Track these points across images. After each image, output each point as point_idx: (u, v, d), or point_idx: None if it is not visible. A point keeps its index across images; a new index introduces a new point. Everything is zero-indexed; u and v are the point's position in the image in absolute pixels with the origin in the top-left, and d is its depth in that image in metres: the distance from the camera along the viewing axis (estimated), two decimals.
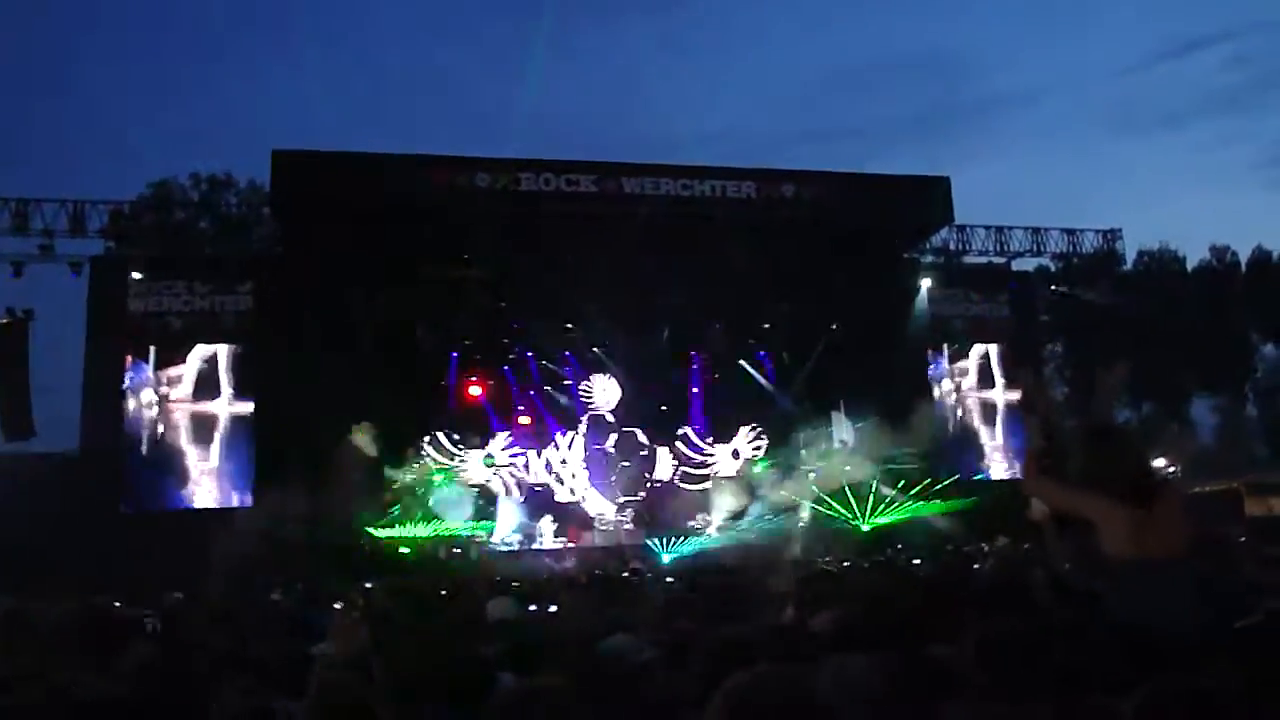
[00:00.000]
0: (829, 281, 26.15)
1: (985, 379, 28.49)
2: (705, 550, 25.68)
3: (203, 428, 23.85)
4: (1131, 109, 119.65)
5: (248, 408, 23.97)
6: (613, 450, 29.62)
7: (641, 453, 29.86)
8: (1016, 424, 27.99)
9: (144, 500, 23.18)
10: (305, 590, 15.06)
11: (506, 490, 28.64)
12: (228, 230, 28.50)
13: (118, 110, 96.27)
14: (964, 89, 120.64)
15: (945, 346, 28.37)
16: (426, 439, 27.86)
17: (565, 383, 29.77)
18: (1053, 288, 30.79)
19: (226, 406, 24.01)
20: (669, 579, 14.83)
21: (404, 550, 25.22)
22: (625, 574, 17.14)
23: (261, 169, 25.45)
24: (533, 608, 8.55)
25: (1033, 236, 28.92)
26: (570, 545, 26.54)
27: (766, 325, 29.04)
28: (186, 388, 23.89)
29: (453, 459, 28.29)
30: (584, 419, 29.74)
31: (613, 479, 29.25)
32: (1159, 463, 31.25)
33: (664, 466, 29.96)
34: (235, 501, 23.00)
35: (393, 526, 25.20)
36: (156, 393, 23.73)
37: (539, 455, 29.27)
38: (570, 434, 29.59)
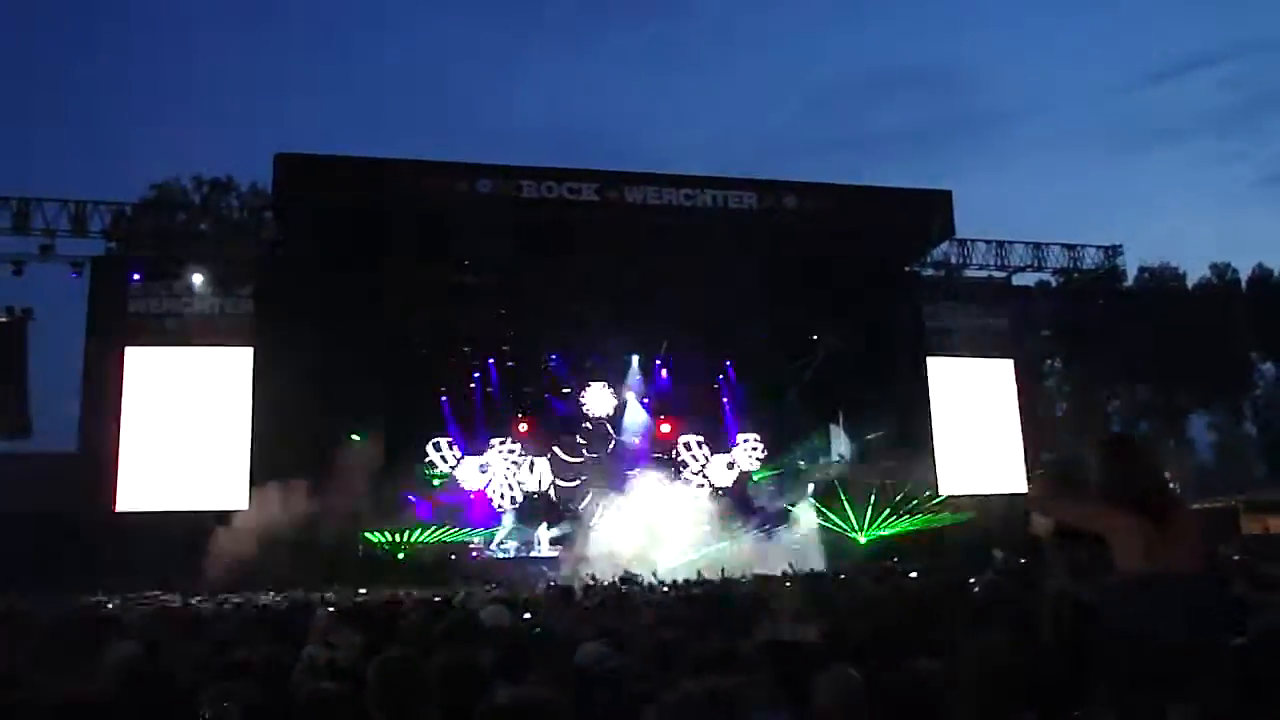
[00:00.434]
0: (829, 293, 26.14)
1: (987, 394, 28.47)
2: (700, 560, 25.62)
3: (200, 429, 23.80)
4: (1132, 126, 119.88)
5: (246, 410, 23.92)
6: (610, 458, 29.61)
7: (638, 461, 29.82)
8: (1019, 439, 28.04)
9: (140, 500, 23.12)
10: (296, 593, 15.06)
11: (503, 497, 28.64)
12: (229, 233, 28.46)
13: (120, 111, 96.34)
14: (966, 103, 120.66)
15: (945, 360, 28.36)
16: (429, 444, 27.91)
17: (564, 390, 29.77)
18: (1052, 302, 30.77)
19: (225, 409, 23.96)
20: (664, 589, 14.80)
21: (399, 556, 25.21)
22: (620, 582, 17.09)
23: (263, 172, 25.48)
24: (527, 616, 8.53)
25: (1033, 252, 28.91)
26: (566, 553, 26.49)
27: (766, 336, 29.00)
28: (185, 389, 23.85)
29: (451, 465, 28.30)
30: (581, 426, 29.74)
31: (609, 487, 29.21)
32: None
33: (662, 476, 29.91)
34: (231, 504, 22.92)
35: (389, 531, 25.20)
36: (155, 392, 23.69)
37: (536, 462, 29.26)
38: (568, 441, 29.57)
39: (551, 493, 29.22)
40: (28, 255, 23.05)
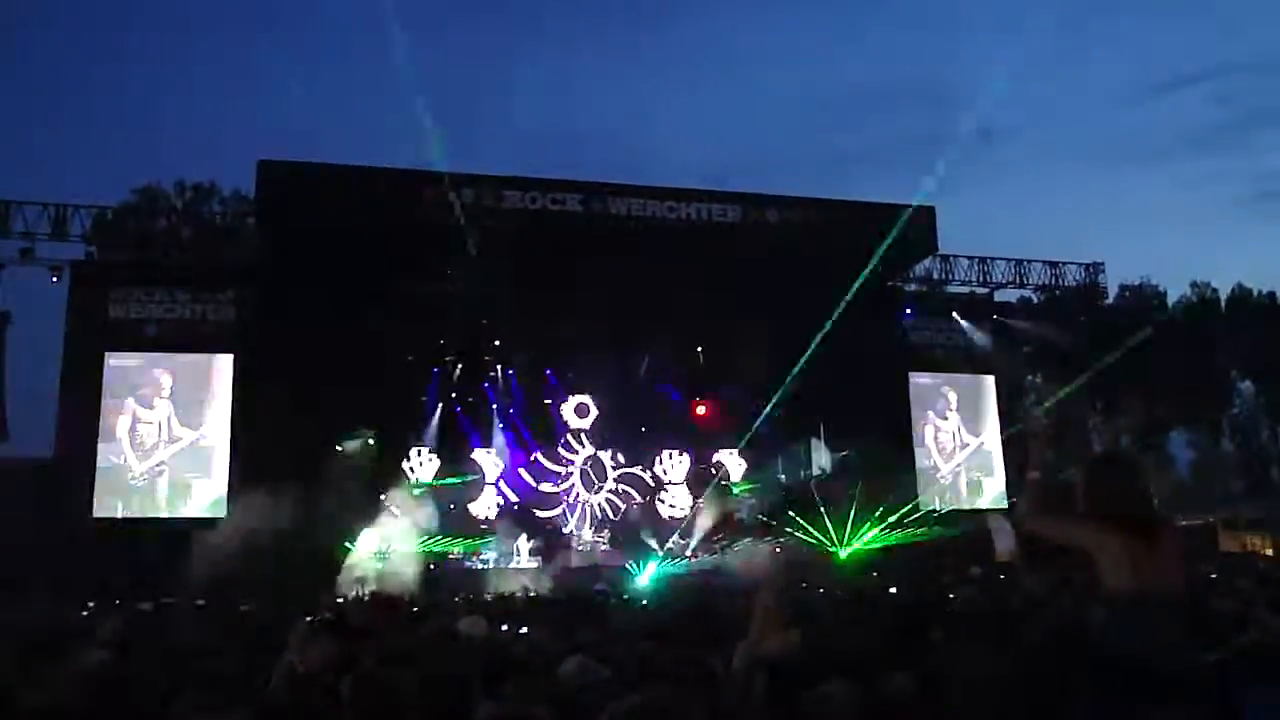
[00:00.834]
0: (811, 307, 26.16)
1: (971, 411, 28.56)
2: (681, 573, 25.60)
3: (180, 436, 23.66)
4: (1115, 144, 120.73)
5: (226, 417, 23.79)
6: (591, 469, 29.56)
7: (619, 473, 29.80)
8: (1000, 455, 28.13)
9: (117, 508, 22.95)
10: (276, 602, 14.94)
11: (484, 508, 28.53)
12: (210, 238, 28.34)
13: (102, 114, 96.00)
14: (950, 120, 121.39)
15: (927, 375, 28.45)
16: (411, 453, 27.81)
17: (546, 401, 29.71)
18: (1033, 320, 30.92)
19: (204, 417, 23.82)
20: (643, 601, 14.77)
21: (379, 565, 25.08)
22: (595, 594, 17.06)
23: (246, 178, 25.40)
24: (504, 627, 8.48)
25: (1015, 268, 29.08)
26: (546, 564, 26.42)
27: (748, 349, 28.99)
28: (165, 395, 23.71)
29: (430, 475, 28.19)
30: (564, 438, 29.68)
31: (590, 498, 29.17)
32: None
33: (642, 488, 29.89)
34: (210, 512, 22.77)
35: (369, 540, 25.08)
36: (134, 399, 23.55)
37: (518, 473, 29.18)
38: (549, 452, 29.51)
39: (531, 503, 29.12)
40: (6, 258, 22.91)
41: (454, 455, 28.41)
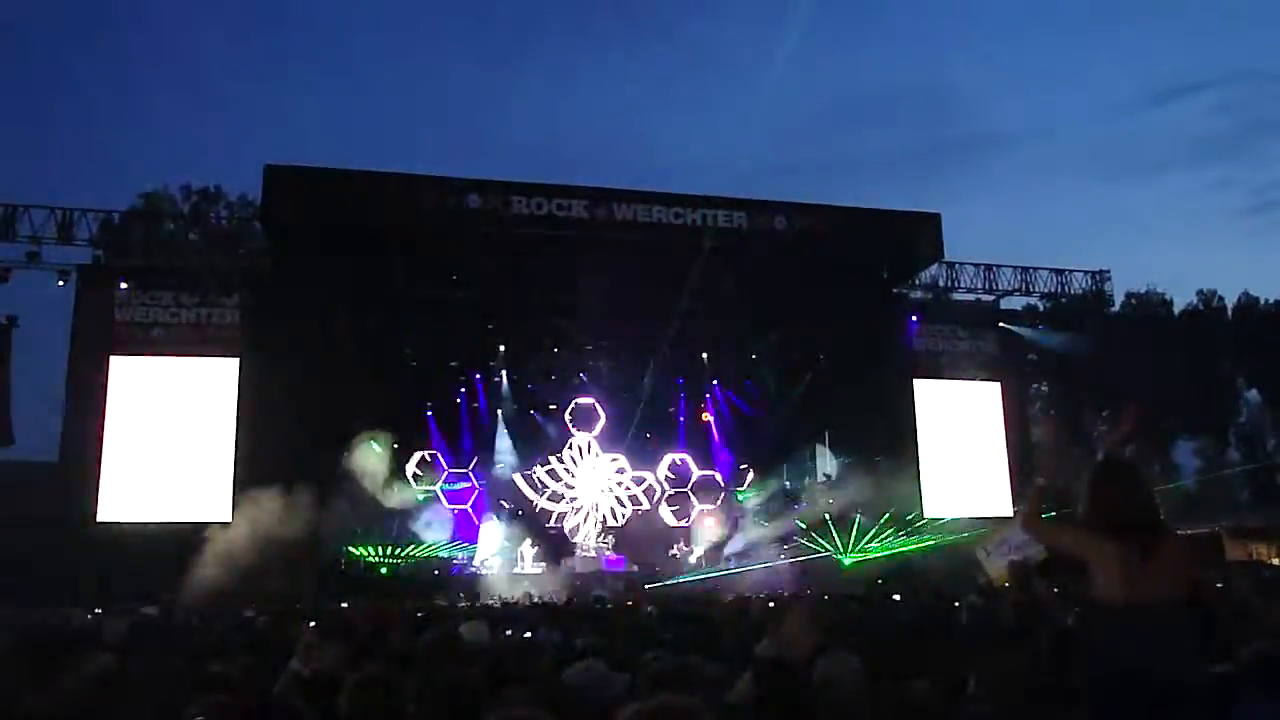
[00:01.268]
0: (817, 314, 26.17)
1: (974, 417, 28.51)
2: (686, 580, 25.61)
3: (184, 440, 23.67)
4: (1121, 152, 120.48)
5: (230, 421, 23.80)
6: (595, 476, 29.57)
7: (623, 479, 29.81)
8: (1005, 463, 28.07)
9: (122, 511, 22.96)
10: (279, 607, 14.94)
11: (488, 513, 28.55)
12: (216, 243, 28.38)
13: (109, 119, 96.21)
14: (956, 128, 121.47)
15: (932, 382, 28.41)
16: (415, 457, 27.84)
17: (551, 406, 29.73)
18: (1039, 327, 30.85)
19: (209, 420, 23.83)
20: (649, 608, 14.74)
21: (383, 571, 25.12)
22: (594, 601, 17.06)
23: (252, 183, 25.42)
24: (508, 632, 8.47)
25: (1021, 276, 28.98)
26: (550, 569, 26.44)
27: (754, 356, 29.02)
28: (169, 399, 23.72)
29: (435, 480, 28.22)
30: (568, 443, 29.69)
31: (594, 504, 29.18)
32: None
33: (646, 493, 29.90)
34: (214, 515, 22.76)
35: (373, 545, 25.12)
36: (140, 402, 23.56)
37: (523, 478, 29.21)
38: (554, 458, 29.53)
39: (535, 509, 29.13)
40: (14, 262, 22.91)
41: (458, 460, 28.43)
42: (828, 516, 26.71)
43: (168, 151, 75.00)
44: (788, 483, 30.44)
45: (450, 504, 28.08)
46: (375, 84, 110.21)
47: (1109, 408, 38.05)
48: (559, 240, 24.03)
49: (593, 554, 27.83)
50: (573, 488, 29.43)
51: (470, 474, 28.63)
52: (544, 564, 26.78)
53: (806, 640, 4.72)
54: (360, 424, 24.09)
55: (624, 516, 29.39)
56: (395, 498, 26.03)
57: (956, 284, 28.54)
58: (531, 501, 29.13)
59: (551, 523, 28.94)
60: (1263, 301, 41.11)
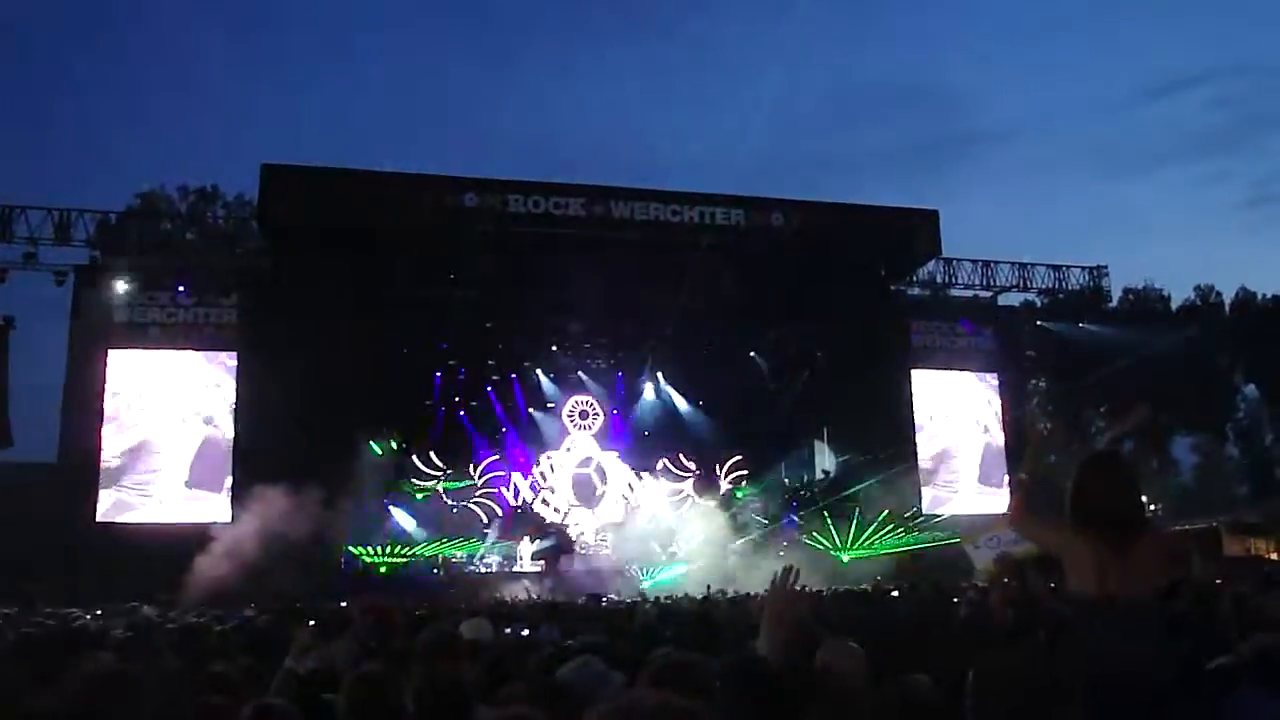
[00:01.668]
0: (815, 310, 26.19)
1: (972, 413, 28.55)
2: (685, 577, 25.58)
3: (182, 441, 23.68)
4: (1118, 147, 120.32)
5: (228, 421, 23.82)
6: (594, 473, 29.58)
7: (623, 477, 29.81)
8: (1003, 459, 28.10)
9: (121, 512, 22.97)
10: (279, 606, 14.92)
11: (486, 511, 28.55)
12: (213, 243, 28.36)
13: (106, 119, 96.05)
14: (953, 124, 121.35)
15: (930, 378, 28.45)
16: (414, 457, 27.83)
17: (549, 405, 29.72)
18: (1037, 322, 30.87)
19: (207, 420, 23.84)
20: (647, 605, 14.74)
21: (382, 570, 25.11)
22: (590, 599, 17.08)
23: (249, 182, 25.43)
24: (508, 630, 8.47)
25: (1019, 272, 29.02)
26: (549, 568, 26.43)
27: (752, 353, 29.03)
28: (167, 400, 23.73)
29: (434, 478, 28.22)
30: (566, 441, 29.69)
31: (593, 502, 29.18)
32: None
33: (645, 491, 29.90)
34: (213, 516, 22.76)
35: (372, 544, 25.12)
36: (137, 403, 23.57)
37: (522, 477, 29.21)
38: (553, 456, 29.53)
39: (534, 507, 29.14)
40: (11, 263, 22.90)
41: (457, 459, 28.41)
42: (826, 514, 26.71)
43: (164, 152, 74.84)
44: (786, 479, 30.45)
45: (449, 502, 28.06)
46: (372, 83, 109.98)
47: (1107, 403, 38.09)
48: (557, 239, 24.04)
49: (591, 552, 27.83)
50: (570, 486, 29.42)
51: (467, 472, 28.61)
52: (542, 562, 26.78)
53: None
54: (358, 423, 24.09)
55: (622, 514, 29.39)
56: (394, 497, 26.07)
57: (954, 280, 28.59)
58: (530, 500, 29.13)
59: (550, 521, 28.93)
60: (1260, 296, 41.13)
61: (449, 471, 28.34)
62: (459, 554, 26.86)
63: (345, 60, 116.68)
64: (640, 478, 29.93)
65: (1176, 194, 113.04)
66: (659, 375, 29.91)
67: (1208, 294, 41.60)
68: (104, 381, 23.37)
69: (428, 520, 26.77)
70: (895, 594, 14.35)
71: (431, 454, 28.13)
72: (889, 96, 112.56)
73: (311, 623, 8.66)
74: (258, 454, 22.53)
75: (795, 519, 27.86)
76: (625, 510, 29.52)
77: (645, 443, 30.25)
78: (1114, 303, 34.63)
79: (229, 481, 23.29)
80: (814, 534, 26.52)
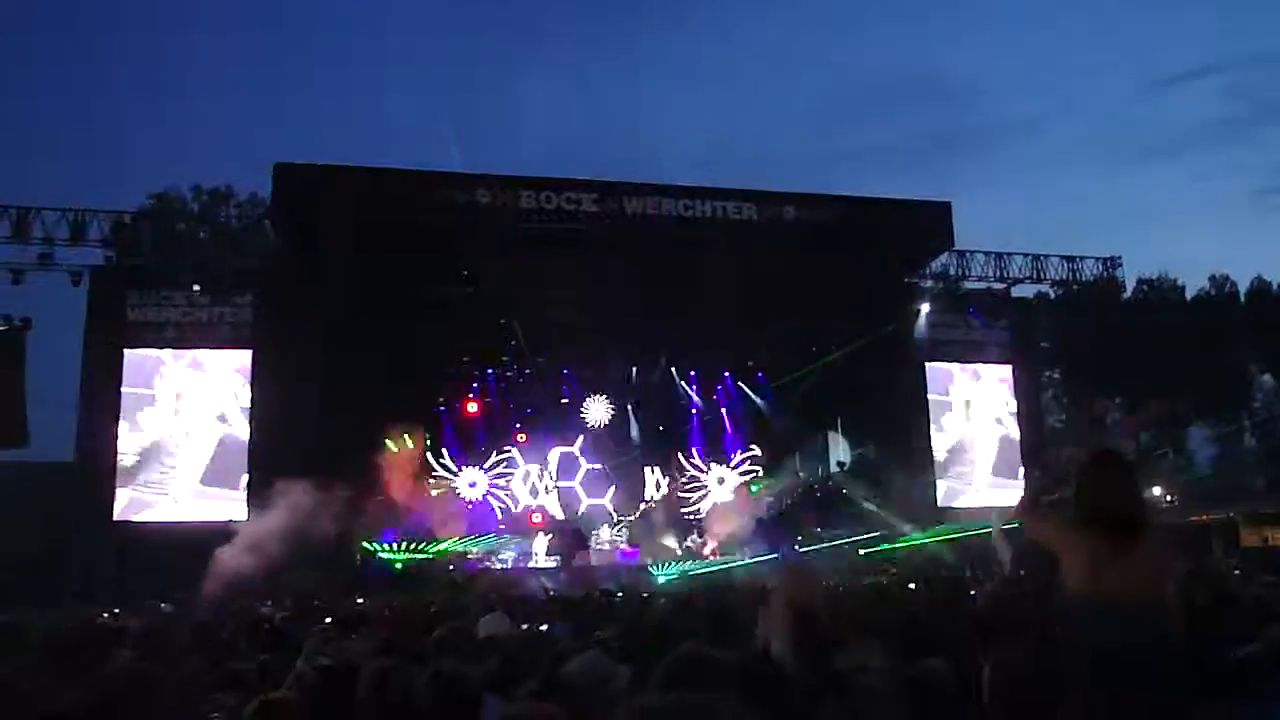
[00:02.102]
0: (828, 304, 26.12)
1: (986, 406, 28.47)
2: (699, 573, 25.56)
3: (198, 439, 23.78)
4: (1131, 138, 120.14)
5: (244, 420, 23.90)
6: (609, 470, 29.56)
7: (637, 473, 29.81)
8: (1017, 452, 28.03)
9: (137, 510, 23.08)
10: (296, 604, 14.98)
11: (501, 508, 28.59)
12: (228, 242, 28.42)
13: (119, 120, 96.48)
14: (965, 116, 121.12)
15: (944, 371, 28.37)
16: (429, 454, 27.85)
17: (563, 401, 29.72)
18: (1051, 314, 30.78)
19: (223, 419, 23.94)
20: (662, 599, 14.72)
21: (398, 566, 25.14)
22: (611, 594, 17.06)
23: (262, 181, 25.49)
24: (525, 626, 8.48)
25: (1033, 263, 28.89)
26: (564, 564, 26.44)
27: (765, 346, 29.00)
28: (183, 399, 23.83)
29: (449, 475, 28.25)
30: (580, 438, 29.69)
31: (608, 499, 29.17)
32: (1155, 492, 31.28)
33: (660, 487, 29.90)
34: (229, 514, 22.85)
35: (390, 541, 25.17)
36: (153, 403, 23.68)
37: (536, 473, 29.22)
38: (567, 453, 29.52)
39: (548, 504, 29.15)
40: (27, 264, 23.04)
41: (471, 456, 28.45)
42: (841, 507, 26.67)
43: (178, 152, 75.18)
44: (801, 473, 30.39)
45: (464, 500, 28.10)
46: (384, 83, 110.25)
47: (1122, 395, 37.98)
48: (569, 234, 24.04)
49: (607, 547, 27.83)
50: (584, 482, 29.43)
51: (482, 469, 28.65)
52: (557, 558, 26.78)
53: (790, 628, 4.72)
54: (373, 420, 24.14)
55: (637, 510, 29.38)
56: (410, 493, 26.09)
57: (968, 272, 28.49)
58: (544, 496, 29.15)
59: (565, 517, 28.95)
60: (1276, 286, 40.85)
61: (463, 468, 28.38)
62: (474, 550, 26.88)
63: (357, 60, 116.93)
64: (655, 473, 29.93)
65: (1190, 184, 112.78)
66: (673, 370, 29.89)
67: (1223, 284, 41.33)
68: (120, 381, 23.48)
69: (443, 517, 26.80)
70: (913, 587, 14.31)
71: (445, 451, 28.16)
72: (901, 88, 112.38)
73: (328, 620, 8.69)
74: (273, 452, 22.60)
75: (839, 468, 28.00)
76: (640, 506, 29.51)
77: (660, 438, 30.24)
78: (1128, 293, 34.48)
79: (245, 479, 23.37)
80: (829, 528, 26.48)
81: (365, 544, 24.71)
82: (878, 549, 25.71)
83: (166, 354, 24.01)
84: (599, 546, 27.81)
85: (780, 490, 29.69)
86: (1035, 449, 28.15)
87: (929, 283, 28.88)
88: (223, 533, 21.19)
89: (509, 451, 29.06)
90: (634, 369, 29.44)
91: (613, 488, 29.32)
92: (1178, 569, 4.55)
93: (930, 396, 27.85)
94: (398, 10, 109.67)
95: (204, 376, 24.04)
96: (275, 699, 3.52)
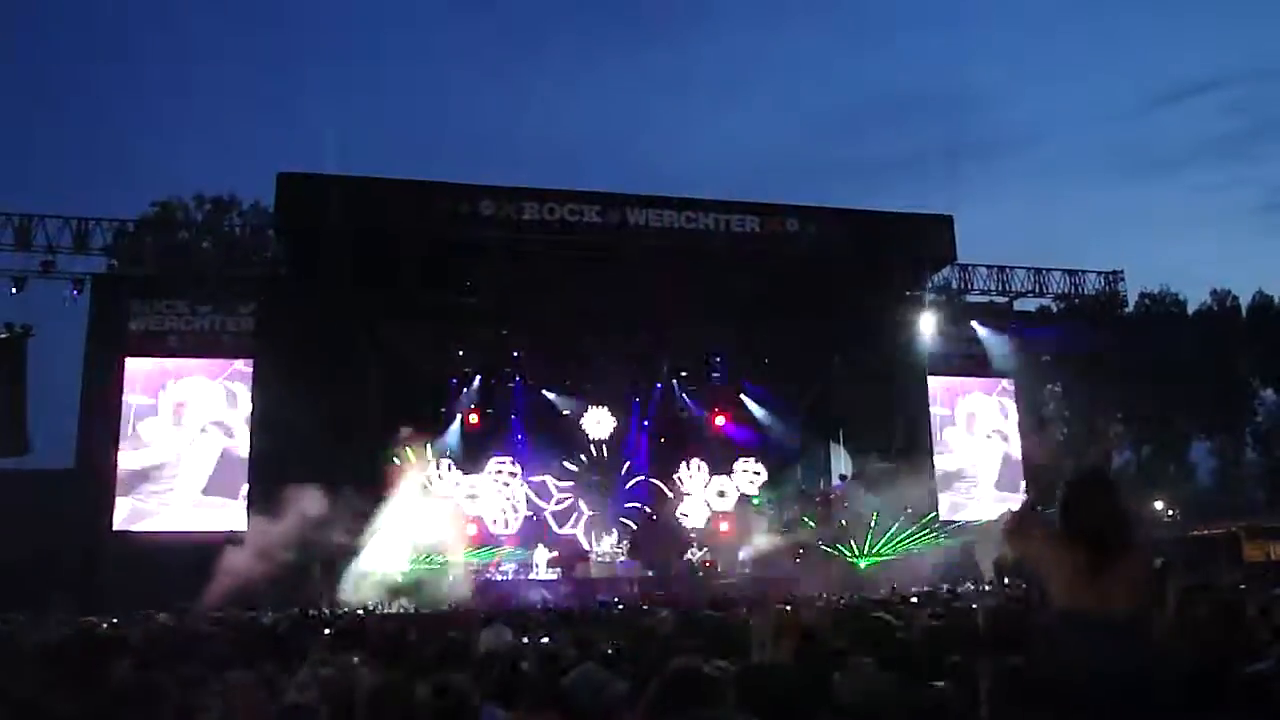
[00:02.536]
0: (831, 317, 26.14)
1: (988, 418, 28.45)
2: (701, 584, 25.55)
3: (199, 449, 23.76)
4: (1132, 152, 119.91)
5: (245, 429, 23.89)
6: (609, 481, 29.55)
7: (639, 485, 29.79)
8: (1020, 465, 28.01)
9: (137, 520, 23.05)
10: (298, 613, 14.96)
11: (501, 519, 28.56)
12: (230, 251, 28.43)
13: (122, 128, 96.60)
14: (968, 130, 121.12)
15: (946, 384, 28.36)
16: (431, 464, 27.82)
17: (565, 413, 29.72)
18: (1054, 327, 30.73)
19: (224, 428, 23.92)
20: (664, 613, 14.69)
21: (399, 578, 25.09)
22: (603, 606, 17.08)
23: (266, 190, 25.49)
24: (525, 639, 8.45)
25: (1034, 277, 28.90)
26: (565, 576, 26.42)
27: (768, 359, 29.01)
28: (184, 408, 23.82)
29: (450, 486, 28.23)
30: (582, 449, 29.67)
31: (609, 510, 29.15)
32: (1157, 505, 31.23)
33: (661, 499, 29.89)
34: (230, 523, 22.83)
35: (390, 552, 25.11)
36: (154, 410, 23.67)
37: (535, 484, 29.20)
38: (568, 463, 29.51)
39: (550, 515, 29.14)
40: (29, 271, 23.06)
41: (473, 466, 28.45)
42: (843, 520, 26.66)
43: (180, 160, 75.27)
44: (803, 485, 30.39)
45: (465, 511, 28.07)
46: (388, 92, 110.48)
47: (1124, 409, 37.91)
48: (572, 245, 24.05)
49: (607, 559, 27.80)
50: (587, 493, 29.40)
51: (485, 479, 28.63)
52: (558, 570, 26.75)
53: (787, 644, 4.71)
54: (374, 431, 24.14)
55: (638, 522, 29.37)
56: (411, 504, 26.05)
57: (970, 286, 28.49)
58: (545, 508, 29.13)
59: (566, 528, 28.93)
60: (1277, 300, 40.84)
61: (464, 479, 28.36)
62: (475, 561, 26.85)
63: (361, 69, 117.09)
64: (656, 484, 29.92)
65: (1192, 198, 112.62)
66: (674, 382, 29.93)
67: (1224, 298, 41.29)
68: (120, 390, 23.48)
69: (445, 528, 26.76)
70: (915, 600, 14.29)
71: (447, 462, 28.15)
72: (903, 102, 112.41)
73: (328, 631, 8.67)
74: (274, 461, 22.58)
75: (841, 481, 27.97)
76: (641, 517, 29.49)
77: (661, 450, 30.23)
78: (1130, 307, 34.45)
79: (245, 489, 23.35)
80: (831, 539, 26.47)
81: (366, 554, 24.67)
82: (880, 562, 25.73)
83: (168, 363, 23.99)
84: (599, 559, 27.78)
85: (782, 500, 29.70)
86: (1037, 462, 28.11)
87: (931, 296, 28.87)
88: (223, 541, 21.20)
89: (509, 462, 29.04)
90: (635, 380, 29.44)
91: (613, 498, 29.32)
92: (1174, 585, 4.56)
93: (933, 409, 27.81)
94: (402, 22, 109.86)
95: (205, 385, 24.02)
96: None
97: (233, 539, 21.55)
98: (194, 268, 25.49)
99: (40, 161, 77.24)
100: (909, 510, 25.80)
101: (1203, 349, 36.95)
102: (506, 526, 28.49)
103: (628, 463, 29.85)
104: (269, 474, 22.49)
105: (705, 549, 28.62)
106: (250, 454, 23.67)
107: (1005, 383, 28.74)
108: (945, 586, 19.49)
